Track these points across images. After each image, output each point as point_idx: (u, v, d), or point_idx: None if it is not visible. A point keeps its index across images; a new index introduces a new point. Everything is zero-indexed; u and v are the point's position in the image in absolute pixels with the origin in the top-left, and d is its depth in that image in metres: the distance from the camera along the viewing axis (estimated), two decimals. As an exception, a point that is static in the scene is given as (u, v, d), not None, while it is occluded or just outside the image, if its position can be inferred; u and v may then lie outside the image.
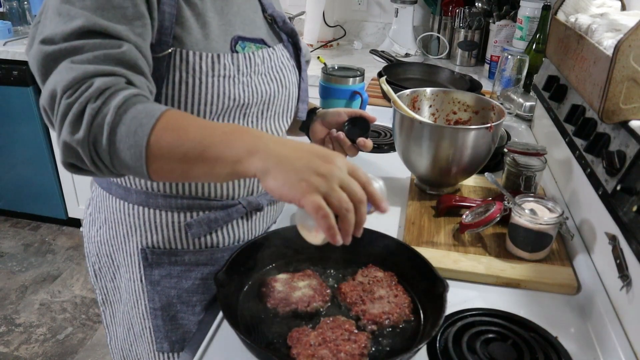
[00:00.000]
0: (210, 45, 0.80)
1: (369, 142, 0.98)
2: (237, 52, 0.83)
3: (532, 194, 0.98)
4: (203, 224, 0.89)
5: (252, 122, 0.89)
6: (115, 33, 0.67)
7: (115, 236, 0.93)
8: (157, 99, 0.79)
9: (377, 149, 1.41)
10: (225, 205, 0.90)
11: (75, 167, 0.67)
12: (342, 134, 0.99)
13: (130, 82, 0.67)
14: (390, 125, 1.20)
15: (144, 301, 0.94)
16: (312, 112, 1.06)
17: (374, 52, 2.22)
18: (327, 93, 1.29)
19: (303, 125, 1.06)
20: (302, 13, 2.44)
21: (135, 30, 0.70)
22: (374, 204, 0.63)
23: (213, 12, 0.81)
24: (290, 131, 1.07)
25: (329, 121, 1.03)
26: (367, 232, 0.91)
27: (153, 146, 0.61)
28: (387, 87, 1.21)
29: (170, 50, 0.76)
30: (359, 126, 1.01)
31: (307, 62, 1.07)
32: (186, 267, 0.92)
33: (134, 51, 0.68)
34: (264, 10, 0.92)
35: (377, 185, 0.69)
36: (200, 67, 0.78)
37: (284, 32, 0.94)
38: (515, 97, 1.65)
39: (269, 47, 0.89)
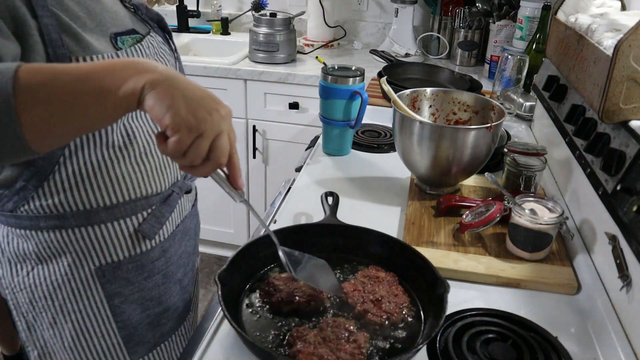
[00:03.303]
0: (102, 46, 0.77)
1: None
2: (120, 48, 0.80)
3: (532, 194, 0.99)
4: (153, 222, 0.88)
5: None
6: None
7: (58, 269, 0.85)
8: None
9: (377, 149, 1.41)
10: (164, 197, 0.91)
11: None
12: None
13: None
14: (390, 125, 1.20)
15: (108, 320, 0.89)
16: None
17: (374, 52, 2.22)
18: (327, 93, 1.29)
19: None
20: (302, 13, 2.44)
21: None
22: (232, 176, 0.64)
23: (85, 16, 0.78)
24: None
25: None
26: (368, 232, 0.91)
27: (22, 90, 0.53)
28: (387, 87, 1.22)
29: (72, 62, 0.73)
30: None
31: None
32: (146, 268, 0.90)
33: None
34: (122, 0, 0.90)
35: None
36: None
37: (150, 18, 0.93)
38: (515, 97, 1.65)
39: (143, 36, 0.87)
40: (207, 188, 1.30)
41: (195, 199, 1.07)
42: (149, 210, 0.88)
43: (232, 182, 0.66)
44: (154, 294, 0.93)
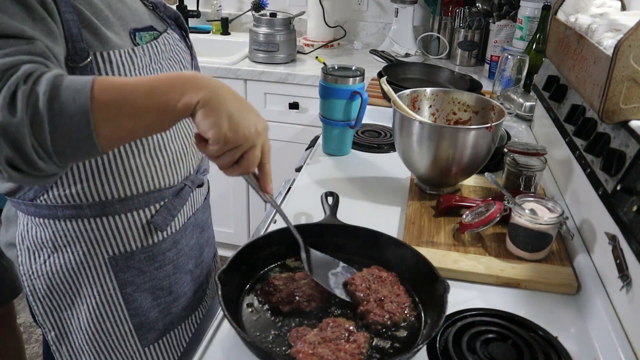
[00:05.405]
0: (122, 41, 0.81)
1: None
2: (138, 44, 0.84)
3: (532, 194, 0.99)
4: (165, 214, 0.91)
5: None
6: (27, 35, 0.66)
7: (73, 257, 0.89)
8: None
9: (377, 148, 1.41)
10: (176, 190, 0.93)
11: (13, 168, 0.62)
12: None
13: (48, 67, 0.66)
14: (390, 125, 1.20)
15: (120, 307, 0.92)
16: None
17: (374, 52, 2.22)
18: (327, 93, 1.29)
19: None
20: (302, 13, 2.44)
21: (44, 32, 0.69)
22: (262, 181, 0.75)
23: (107, 10, 0.81)
24: None
25: None
26: (369, 232, 0.91)
27: (97, 108, 0.60)
28: (387, 87, 1.22)
29: (90, 59, 0.75)
30: None
31: None
32: (157, 258, 0.93)
33: (43, 46, 0.67)
34: None
35: None
36: (123, 64, 0.80)
37: (167, 16, 0.96)
38: (515, 97, 1.65)
39: (160, 33, 0.90)
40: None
41: (208, 193, 1.09)
42: (162, 203, 0.91)
43: (261, 186, 0.75)
44: (164, 284, 0.95)
